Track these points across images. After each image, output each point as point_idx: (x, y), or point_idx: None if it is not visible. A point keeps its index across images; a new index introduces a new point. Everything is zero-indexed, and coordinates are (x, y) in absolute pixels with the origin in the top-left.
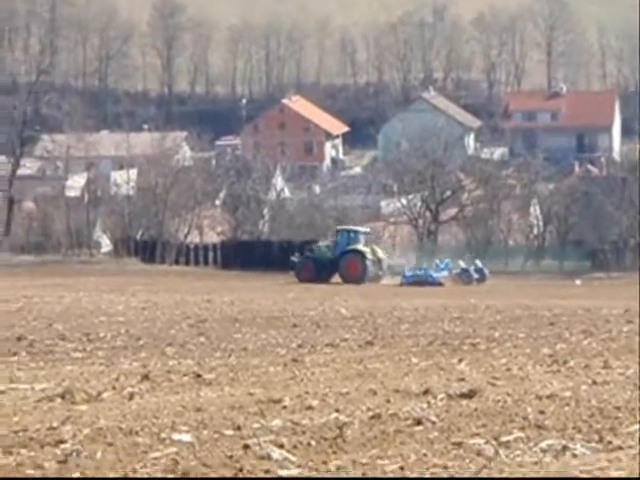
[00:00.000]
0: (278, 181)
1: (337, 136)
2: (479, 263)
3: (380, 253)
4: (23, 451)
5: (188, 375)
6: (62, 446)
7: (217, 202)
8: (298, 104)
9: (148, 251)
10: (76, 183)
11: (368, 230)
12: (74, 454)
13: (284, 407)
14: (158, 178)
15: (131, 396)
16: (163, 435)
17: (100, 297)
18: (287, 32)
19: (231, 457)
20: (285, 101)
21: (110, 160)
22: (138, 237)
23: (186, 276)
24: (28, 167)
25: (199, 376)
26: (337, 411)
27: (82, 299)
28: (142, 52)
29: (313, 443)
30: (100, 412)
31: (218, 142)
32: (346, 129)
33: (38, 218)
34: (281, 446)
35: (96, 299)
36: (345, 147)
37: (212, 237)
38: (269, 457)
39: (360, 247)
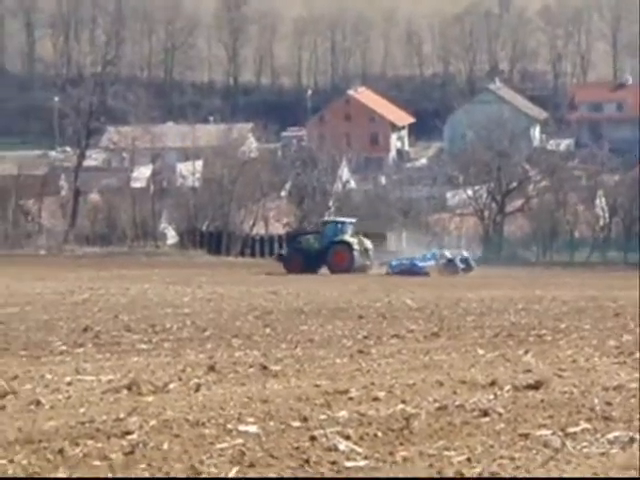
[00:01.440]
0: (344, 172)
1: (403, 127)
2: (465, 253)
3: (367, 243)
4: (90, 442)
5: (254, 366)
6: (129, 437)
7: (283, 193)
8: (364, 95)
9: (214, 243)
10: (142, 174)
11: (354, 221)
12: (141, 445)
13: (350, 398)
14: (224, 169)
15: (197, 387)
16: (229, 426)
17: (166, 289)
18: (353, 23)
19: (297, 448)
20: (351, 92)
21: (176, 151)
22: (204, 229)
23: (251, 268)
24: (94, 158)
25: (265, 367)
26: (403, 402)
27: (148, 291)
28: (208, 43)
29: (380, 434)
30: (166, 403)
31: (284, 133)
32: (412, 120)
33: (104, 210)
34: (348, 437)
35: (162, 291)
36: (411, 138)
37: (278, 228)
38: (336, 448)
39: (347, 238)
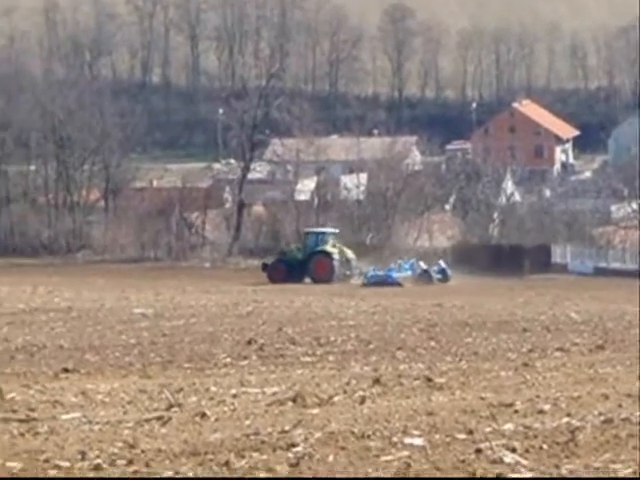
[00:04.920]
0: (508, 185)
1: (567, 140)
2: (442, 263)
3: (349, 253)
4: (255, 454)
5: (419, 379)
6: (294, 449)
7: (447, 206)
8: (528, 108)
9: (378, 255)
10: (306, 187)
11: (336, 231)
12: (306, 458)
13: (516, 411)
14: (388, 182)
15: (362, 400)
16: (395, 439)
17: (330, 301)
18: (517, 36)
19: (463, 461)
20: (515, 105)
21: (340, 164)
22: (367, 241)
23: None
24: (258, 171)
25: (430, 380)
26: (569, 415)
27: (312, 303)
28: (372, 56)
29: (545, 447)
30: (331, 416)
31: (448, 146)
32: (576, 133)
33: (268, 222)
34: (513, 450)
35: (326, 303)
36: (575, 151)
37: (442, 241)
38: (501, 461)
39: (328, 248)
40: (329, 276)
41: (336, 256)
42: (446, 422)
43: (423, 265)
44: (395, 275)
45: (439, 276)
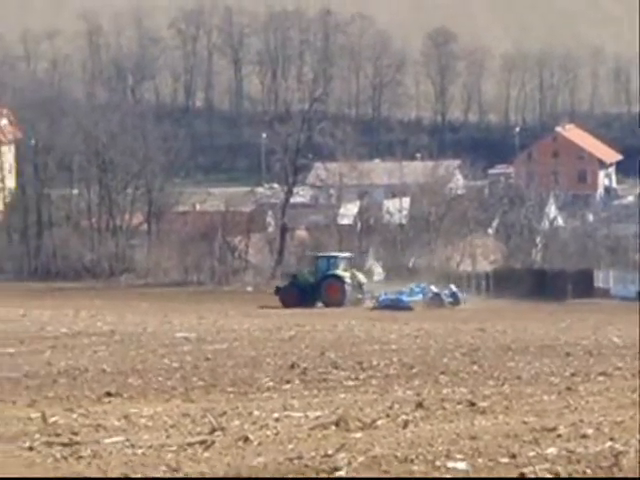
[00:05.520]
0: (551, 210)
1: (610, 165)
2: (453, 287)
3: (360, 277)
4: (298, 478)
5: (462, 403)
6: (337, 473)
7: (490, 230)
8: (572, 132)
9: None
10: (349, 211)
11: (348, 255)
12: None
13: (559, 435)
14: (431, 206)
15: (405, 424)
16: (438, 463)
17: (372, 325)
18: (561, 60)
19: None
20: (559, 129)
21: (383, 188)
22: (410, 265)
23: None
24: (301, 195)
25: (473, 404)
26: (612, 440)
27: (354, 327)
28: (415, 80)
29: (589, 472)
30: (374, 440)
31: (491, 170)
32: (619, 158)
33: (310, 246)
34: (556, 474)
35: (368, 327)
36: (618, 176)
37: (485, 265)
38: None
39: (339, 272)
40: (341, 300)
41: (348, 280)
42: (489, 446)
43: (434, 288)
44: (406, 299)
45: (450, 299)
